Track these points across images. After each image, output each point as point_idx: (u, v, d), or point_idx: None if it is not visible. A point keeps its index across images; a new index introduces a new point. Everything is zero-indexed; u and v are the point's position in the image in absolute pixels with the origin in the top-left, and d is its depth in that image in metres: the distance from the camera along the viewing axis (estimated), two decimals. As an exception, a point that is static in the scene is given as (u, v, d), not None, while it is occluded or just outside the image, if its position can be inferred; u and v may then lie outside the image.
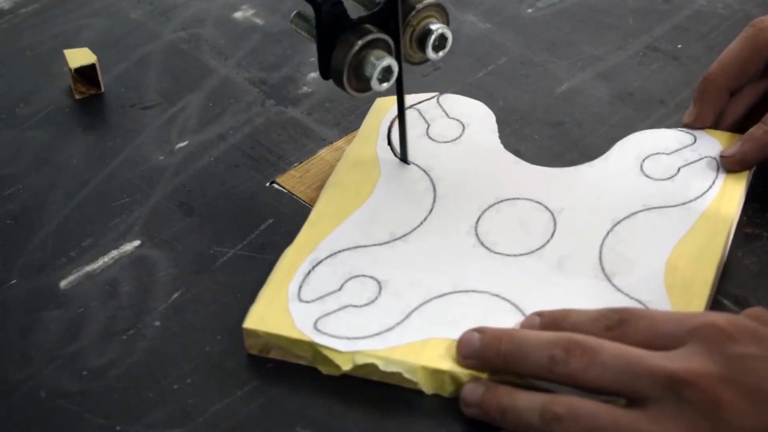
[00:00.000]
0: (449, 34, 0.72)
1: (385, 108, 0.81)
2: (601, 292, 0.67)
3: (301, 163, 0.80)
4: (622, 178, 0.74)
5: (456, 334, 0.64)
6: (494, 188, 0.74)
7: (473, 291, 0.68)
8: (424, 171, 0.76)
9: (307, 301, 0.67)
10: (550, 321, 0.63)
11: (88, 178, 0.80)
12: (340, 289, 0.68)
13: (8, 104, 0.87)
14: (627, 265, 0.68)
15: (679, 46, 0.88)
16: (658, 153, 0.76)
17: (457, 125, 0.80)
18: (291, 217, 0.75)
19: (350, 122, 0.83)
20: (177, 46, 0.92)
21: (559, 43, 0.89)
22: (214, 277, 0.72)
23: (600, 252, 0.69)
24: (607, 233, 0.70)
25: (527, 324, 0.64)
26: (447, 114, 0.81)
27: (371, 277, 0.69)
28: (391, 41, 0.71)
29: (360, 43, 0.69)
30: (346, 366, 0.64)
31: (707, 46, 0.87)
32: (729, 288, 0.69)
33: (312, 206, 0.75)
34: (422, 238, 0.71)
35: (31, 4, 0.97)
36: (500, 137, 0.79)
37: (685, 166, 0.75)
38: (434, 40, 0.72)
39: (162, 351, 0.67)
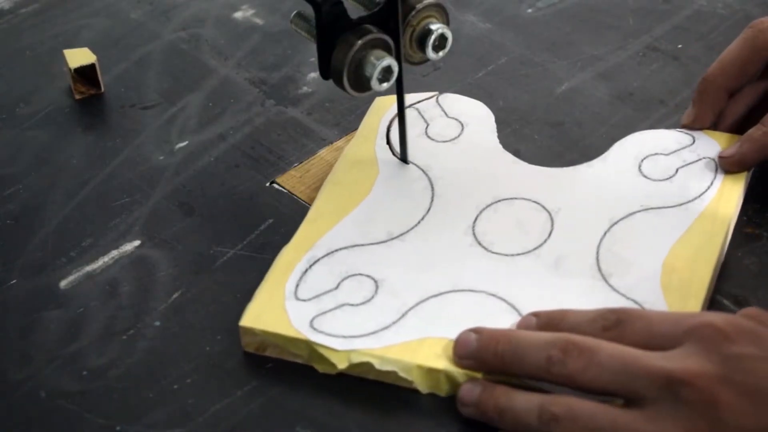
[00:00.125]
0: (449, 34, 0.72)
1: (384, 107, 0.81)
2: (597, 292, 0.67)
3: (301, 163, 0.80)
4: (620, 179, 0.74)
5: (452, 333, 0.64)
6: (492, 188, 0.74)
7: (470, 290, 0.68)
8: (423, 170, 0.76)
9: (304, 300, 0.67)
10: (547, 321, 0.63)
11: (88, 178, 0.80)
12: (336, 287, 0.68)
13: (8, 104, 0.87)
14: (624, 266, 0.68)
15: (679, 46, 0.88)
16: (656, 153, 0.76)
17: (456, 125, 0.80)
18: (291, 217, 0.75)
19: (350, 122, 0.83)
20: (177, 46, 0.92)
21: (559, 43, 0.90)
22: (214, 277, 0.72)
23: (597, 252, 0.69)
24: (605, 233, 0.71)
25: (524, 324, 0.64)
26: (446, 113, 0.81)
27: (368, 276, 0.69)
28: (391, 41, 0.71)
29: (360, 43, 0.69)
30: (341, 364, 0.64)
31: (707, 46, 0.87)
32: (729, 288, 0.69)
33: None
34: (420, 237, 0.72)
35: (31, 4, 0.97)
36: (500, 137, 0.79)
37: (683, 166, 0.75)
38: (434, 40, 0.72)
39: (162, 351, 0.67)
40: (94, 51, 0.87)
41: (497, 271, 0.69)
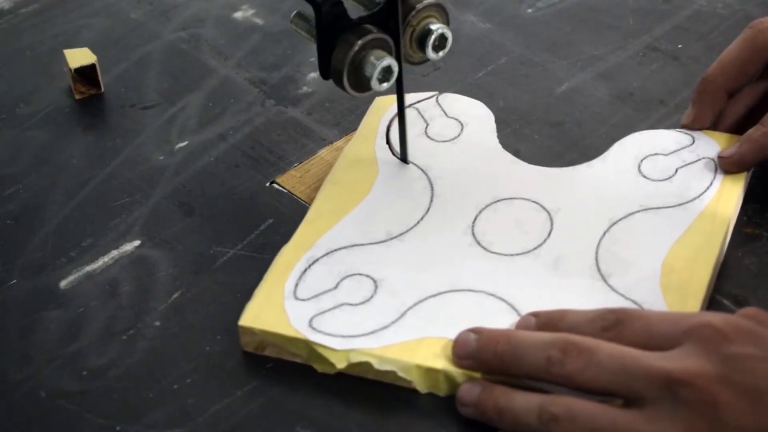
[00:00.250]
0: (449, 34, 0.72)
1: (384, 107, 0.81)
2: (596, 292, 0.67)
3: (301, 163, 0.80)
4: (619, 179, 0.74)
5: (451, 333, 0.64)
6: (492, 188, 0.74)
7: (469, 290, 0.68)
8: (422, 170, 0.76)
9: (303, 299, 0.67)
10: (546, 321, 0.63)
11: (88, 178, 0.80)
12: (335, 287, 0.68)
13: (8, 104, 0.87)
14: (623, 266, 0.68)
15: (679, 46, 0.88)
16: (656, 154, 0.76)
17: (455, 124, 0.80)
18: (291, 217, 0.75)
19: (350, 122, 0.83)
20: (177, 46, 0.92)
21: (559, 43, 0.90)
22: (214, 277, 0.72)
23: (596, 252, 0.69)
24: (604, 233, 0.71)
25: (523, 324, 0.64)
26: (446, 113, 0.81)
27: (367, 276, 0.69)
28: (391, 41, 0.71)
29: (360, 43, 0.69)
30: (340, 364, 0.65)
31: (707, 46, 0.87)
32: (729, 288, 0.69)
33: (312, 206, 0.75)
34: (419, 237, 0.72)
35: (31, 4, 0.97)
36: (500, 137, 0.79)
37: (683, 167, 0.75)
38: (434, 40, 0.72)
39: (162, 351, 0.68)
40: (94, 51, 0.87)
41: (496, 271, 0.69)
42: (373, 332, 0.65)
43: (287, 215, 0.75)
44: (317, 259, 0.70)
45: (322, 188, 0.75)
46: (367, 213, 0.73)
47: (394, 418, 0.64)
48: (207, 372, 0.66)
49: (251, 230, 0.75)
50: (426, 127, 0.79)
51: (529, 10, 0.93)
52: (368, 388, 0.65)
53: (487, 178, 0.75)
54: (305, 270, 0.69)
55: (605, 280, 0.68)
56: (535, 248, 0.70)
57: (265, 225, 0.75)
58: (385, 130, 0.79)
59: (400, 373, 0.64)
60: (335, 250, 0.71)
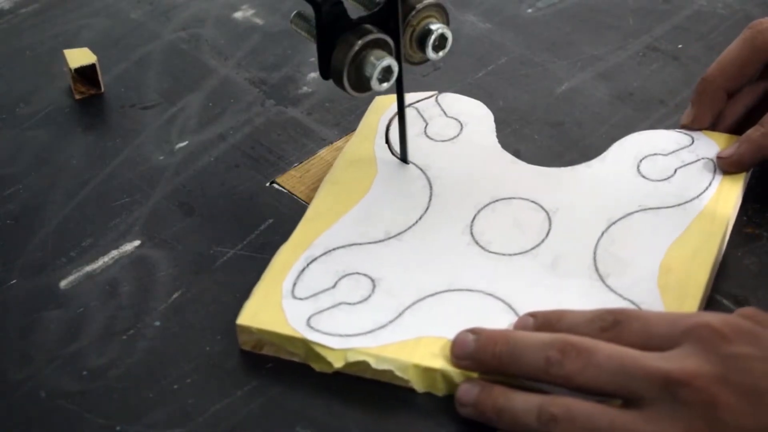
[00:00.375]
0: (449, 34, 0.72)
1: (383, 106, 0.81)
2: (594, 292, 0.67)
3: (301, 163, 0.80)
4: (618, 179, 0.74)
5: (448, 332, 0.64)
6: (490, 187, 0.74)
7: (467, 290, 0.68)
8: (421, 170, 0.76)
9: (301, 298, 0.67)
10: (544, 322, 0.63)
11: (88, 178, 0.80)
12: (334, 286, 0.68)
13: (8, 104, 0.87)
14: (621, 266, 0.68)
15: (679, 46, 0.88)
16: (655, 154, 0.76)
17: (455, 124, 0.80)
18: (291, 217, 0.75)
19: (350, 122, 0.83)
20: (177, 46, 0.92)
21: (559, 43, 0.90)
22: (214, 277, 0.72)
23: (594, 252, 0.69)
24: (602, 234, 0.71)
25: (521, 325, 0.64)
26: (445, 113, 0.81)
27: (365, 275, 0.69)
28: (391, 41, 0.71)
29: (360, 43, 0.69)
30: (338, 363, 0.65)
31: (707, 46, 0.87)
32: (729, 288, 0.69)
33: (311, 206, 0.75)
34: (417, 236, 0.72)
35: (31, 4, 0.97)
36: (500, 137, 0.79)
37: (682, 167, 0.75)
38: (434, 40, 0.72)
39: (162, 351, 0.68)
40: (94, 51, 0.87)
41: (494, 271, 0.69)
42: (370, 331, 0.66)
43: (287, 215, 0.75)
44: (315, 259, 0.70)
45: (321, 187, 0.75)
46: (365, 212, 0.73)
47: (394, 418, 0.64)
48: (207, 372, 0.66)
49: (251, 230, 0.75)
50: (425, 127, 0.80)
51: (529, 10, 0.93)
52: (368, 388, 0.65)
53: (485, 177, 0.75)
54: (303, 269, 0.69)
55: (603, 280, 0.68)
56: (533, 248, 0.70)
57: (265, 225, 0.75)
58: (384, 129, 0.79)
59: (398, 373, 0.64)
60: (333, 249, 0.71)
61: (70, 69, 0.86)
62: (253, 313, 0.67)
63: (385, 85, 0.70)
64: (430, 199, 0.74)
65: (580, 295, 0.67)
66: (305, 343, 0.65)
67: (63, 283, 0.72)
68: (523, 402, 0.60)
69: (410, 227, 0.72)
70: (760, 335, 0.58)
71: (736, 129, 0.77)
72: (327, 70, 0.70)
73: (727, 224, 0.71)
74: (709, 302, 0.68)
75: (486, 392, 0.62)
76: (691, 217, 0.71)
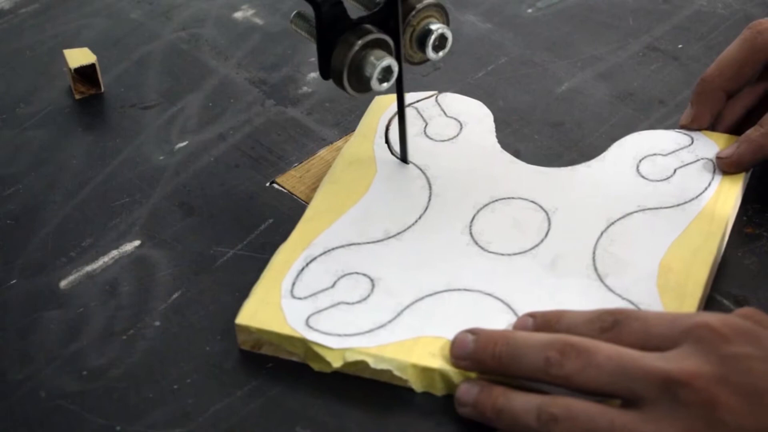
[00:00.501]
0: (449, 34, 0.72)
1: (383, 106, 0.81)
2: (593, 292, 0.67)
3: (301, 163, 0.80)
4: (617, 179, 0.74)
5: (447, 332, 0.64)
6: (490, 187, 0.74)
7: (465, 290, 0.68)
8: (421, 169, 0.76)
9: (300, 298, 0.67)
10: (544, 322, 0.63)
11: (88, 178, 0.80)
12: (333, 286, 0.68)
13: (8, 104, 0.87)
14: (620, 266, 0.68)
15: (679, 46, 0.88)
16: (654, 154, 0.76)
17: (454, 124, 0.80)
18: (291, 217, 0.75)
19: (350, 122, 0.83)
20: (177, 46, 0.92)
21: (559, 43, 0.90)
22: (214, 277, 0.72)
23: (593, 252, 0.69)
24: (602, 234, 0.71)
25: (520, 325, 0.64)
26: (445, 113, 0.81)
27: (364, 275, 0.69)
28: (391, 41, 0.71)
29: (360, 43, 0.69)
30: (336, 363, 0.65)
31: (707, 46, 0.87)
32: (729, 288, 0.69)
33: (311, 206, 0.75)
34: (416, 236, 0.72)
35: (31, 4, 0.97)
36: (500, 137, 0.79)
37: (681, 167, 0.75)
38: (434, 40, 0.72)
39: (162, 351, 0.68)
40: (94, 51, 0.87)
41: (493, 271, 0.69)
42: (369, 331, 0.66)
43: (287, 215, 0.75)
44: (314, 258, 0.70)
45: (320, 187, 0.75)
46: (365, 212, 0.73)
47: (394, 418, 0.64)
48: (207, 372, 0.66)
49: (251, 230, 0.75)
50: (425, 127, 0.80)
51: (529, 10, 0.93)
52: (368, 388, 0.65)
53: (485, 177, 0.75)
54: (302, 269, 0.69)
55: (602, 280, 0.68)
56: (532, 248, 0.70)
57: (265, 225, 0.75)
58: (384, 129, 0.79)
59: (396, 372, 0.64)
60: (333, 248, 0.71)
61: (70, 69, 0.86)
62: (252, 313, 0.67)
63: (385, 85, 0.70)
64: (430, 199, 0.74)
65: (578, 295, 0.67)
66: (304, 343, 0.65)
67: (63, 283, 0.72)
68: (522, 402, 0.60)
69: (409, 227, 0.72)
70: (760, 335, 0.58)
71: (736, 129, 0.77)
72: (327, 70, 0.70)
73: (727, 224, 0.71)
74: (709, 302, 0.68)
75: (486, 392, 0.62)
76: (691, 217, 0.71)
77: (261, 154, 0.81)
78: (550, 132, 0.81)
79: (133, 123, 0.84)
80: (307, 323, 0.66)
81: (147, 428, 0.63)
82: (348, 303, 0.67)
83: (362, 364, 0.64)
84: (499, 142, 0.79)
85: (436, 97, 0.82)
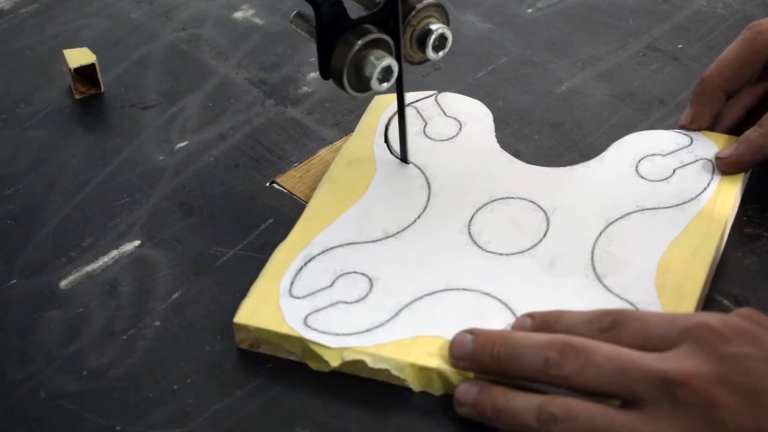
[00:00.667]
0: (449, 34, 0.72)
1: (382, 105, 0.81)
2: (591, 292, 0.67)
3: (301, 163, 0.80)
4: (616, 179, 0.74)
5: (445, 331, 0.65)
6: (489, 187, 0.74)
7: (464, 289, 0.68)
8: (420, 169, 0.76)
9: (298, 297, 0.67)
10: (543, 323, 0.63)
11: (88, 178, 0.80)
12: (331, 285, 0.68)
13: (8, 104, 0.87)
14: (618, 266, 0.68)
15: (679, 46, 0.88)
16: (653, 154, 0.76)
17: (454, 124, 0.80)
18: (291, 217, 0.75)
19: (350, 122, 0.83)
20: (177, 46, 0.92)
21: (559, 43, 0.90)
22: (214, 277, 0.72)
23: (592, 252, 0.69)
24: (600, 234, 0.71)
25: (519, 325, 0.64)
26: (444, 112, 0.81)
27: (363, 274, 0.69)
28: (391, 41, 0.71)
29: (360, 43, 0.69)
30: (334, 362, 0.65)
31: (707, 46, 0.87)
32: (729, 288, 0.69)
33: (311, 206, 0.75)
34: (415, 235, 0.72)
35: (31, 4, 0.97)
36: (500, 137, 0.79)
37: (680, 167, 0.75)
38: (434, 40, 0.72)
39: (162, 351, 0.68)
40: (94, 51, 0.87)
41: (492, 271, 0.69)
42: (367, 330, 0.66)
43: (287, 215, 0.75)
44: (313, 257, 0.70)
45: (319, 186, 0.75)
46: (364, 211, 0.73)
47: (394, 418, 0.64)
48: (207, 372, 0.66)
49: (251, 230, 0.75)
50: (424, 126, 0.80)
51: (529, 10, 0.93)
52: (368, 388, 0.65)
53: (484, 177, 0.75)
54: (301, 268, 0.69)
55: (600, 281, 0.68)
56: (530, 248, 0.70)
57: (265, 225, 0.75)
58: (383, 128, 0.79)
59: (394, 372, 0.64)
60: (331, 248, 0.71)
61: (69, 69, 0.86)
62: (251, 312, 0.67)
63: (385, 85, 0.70)
64: (429, 199, 0.74)
65: (577, 295, 0.67)
66: (302, 342, 0.65)
67: (63, 283, 0.72)
68: (522, 402, 0.60)
69: (408, 226, 0.72)
70: (759, 335, 0.58)
71: (735, 130, 0.77)
72: (327, 70, 0.70)
73: (725, 225, 0.71)
74: (710, 302, 0.68)
75: (485, 392, 0.62)
76: (690, 217, 0.71)
77: (261, 154, 0.81)
78: (550, 132, 0.81)
79: (133, 123, 0.84)
80: (305, 322, 0.66)
81: (147, 428, 0.63)
82: (346, 302, 0.67)
83: (360, 364, 0.64)
84: (499, 142, 0.79)
85: (436, 97, 0.82)
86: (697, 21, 0.91)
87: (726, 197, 0.72)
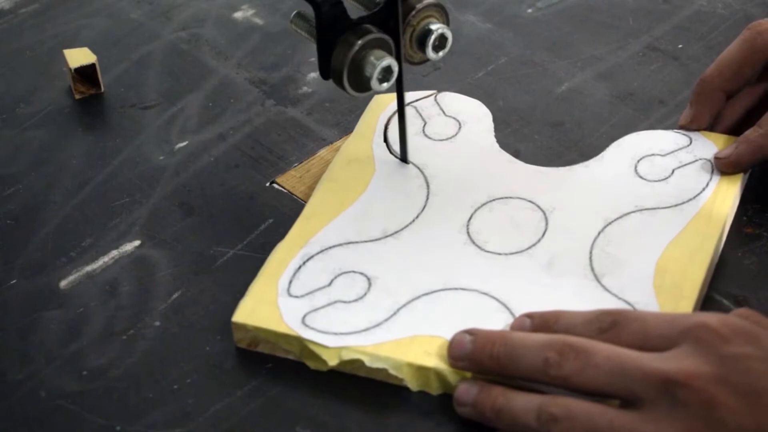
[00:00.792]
0: (449, 34, 0.72)
1: (382, 105, 0.81)
2: (589, 292, 0.67)
3: (301, 163, 0.80)
4: (615, 179, 0.74)
5: (443, 331, 0.65)
6: (487, 187, 0.74)
7: (462, 289, 0.68)
8: (419, 168, 0.76)
9: (297, 296, 0.68)
10: (542, 323, 0.63)
11: (88, 178, 0.80)
12: (329, 284, 0.68)
13: (8, 104, 0.87)
14: (617, 266, 0.68)
15: (679, 46, 0.88)
16: (653, 154, 0.76)
17: (453, 123, 0.80)
18: (291, 217, 0.75)
19: (350, 122, 0.83)
20: (177, 46, 0.92)
21: (559, 43, 0.90)
22: (214, 277, 0.72)
23: (590, 252, 0.69)
24: (599, 234, 0.71)
25: (518, 326, 0.64)
26: (444, 112, 0.81)
27: (361, 274, 0.69)
28: (391, 41, 0.71)
29: (360, 43, 0.69)
30: (332, 361, 0.65)
31: (707, 46, 0.88)
32: (729, 288, 0.69)
33: (311, 205, 0.75)
34: (414, 235, 0.72)
35: (31, 4, 0.97)
36: (500, 137, 0.79)
37: (679, 167, 0.75)
38: (434, 40, 0.72)
39: (162, 351, 0.68)
40: (94, 51, 0.87)
41: (490, 270, 0.69)
42: (365, 330, 0.66)
43: (287, 215, 0.75)
44: (312, 257, 0.70)
45: (318, 185, 0.75)
46: (362, 211, 0.73)
47: (394, 418, 0.64)
48: (207, 372, 0.66)
49: (251, 230, 0.75)
50: (424, 126, 0.80)
51: (529, 10, 0.93)
52: (367, 388, 0.65)
53: (483, 177, 0.75)
54: (299, 267, 0.69)
55: (598, 280, 0.68)
56: (529, 248, 0.70)
57: (265, 225, 0.75)
58: (383, 128, 0.79)
59: (392, 371, 0.64)
60: (330, 247, 0.71)
61: (70, 69, 0.86)
62: (249, 311, 0.67)
63: (385, 85, 0.70)
64: (428, 198, 0.74)
65: (575, 295, 0.67)
66: (300, 341, 0.65)
67: (63, 283, 0.72)
68: (522, 402, 0.60)
69: (407, 226, 0.72)
70: (759, 335, 0.58)
71: (735, 130, 0.77)
72: (327, 70, 0.70)
73: (724, 225, 0.71)
74: (709, 302, 0.68)
75: (485, 392, 0.62)
76: (688, 217, 0.71)
77: (261, 154, 0.81)
78: (550, 132, 0.81)
79: (133, 123, 0.84)
80: (303, 321, 0.66)
81: (147, 428, 0.63)
82: (344, 301, 0.67)
83: (358, 363, 0.64)
84: (499, 142, 0.79)
85: (435, 97, 0.82)
86: (697, 21, 0.91)
87: (725, 198, 0.72)
